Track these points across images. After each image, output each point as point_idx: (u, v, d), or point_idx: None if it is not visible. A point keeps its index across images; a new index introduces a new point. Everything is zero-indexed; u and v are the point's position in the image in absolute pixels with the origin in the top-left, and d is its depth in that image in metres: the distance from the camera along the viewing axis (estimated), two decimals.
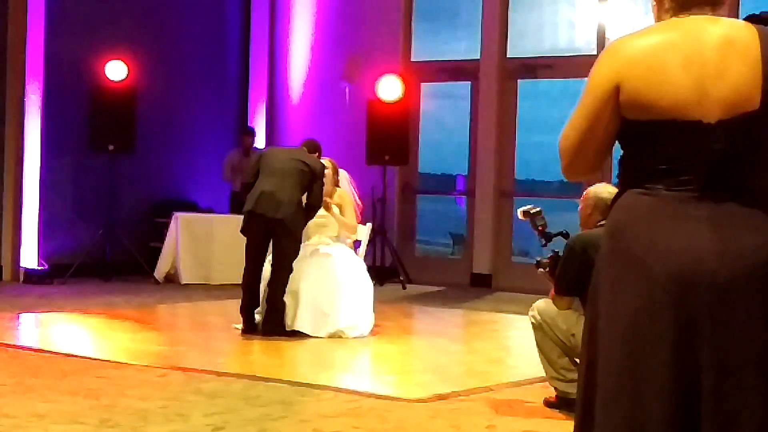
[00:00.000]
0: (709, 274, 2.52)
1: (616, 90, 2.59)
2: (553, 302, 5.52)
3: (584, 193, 5.59)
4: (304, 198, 8.12)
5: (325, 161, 8.49)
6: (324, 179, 8.21)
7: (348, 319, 8.13)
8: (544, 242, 5.71)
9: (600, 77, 2.62)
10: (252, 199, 8.06)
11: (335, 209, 8.43)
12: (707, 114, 2.55)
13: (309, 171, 8.11)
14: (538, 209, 5.70)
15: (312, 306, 8.08)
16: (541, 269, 5.66)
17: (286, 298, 8.04)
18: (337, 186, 8.57)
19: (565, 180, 5.87)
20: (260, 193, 8.01)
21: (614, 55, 2.63)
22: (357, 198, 8.85)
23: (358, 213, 8.76)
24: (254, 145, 12.89)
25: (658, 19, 2.71)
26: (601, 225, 5.32)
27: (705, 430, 2.51)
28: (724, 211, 2.56)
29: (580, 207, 5.58)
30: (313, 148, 8.53)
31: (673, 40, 2.59)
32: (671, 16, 2.66)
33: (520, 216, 5.80)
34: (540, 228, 5.68)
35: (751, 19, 2.64)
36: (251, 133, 13.06)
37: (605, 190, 5.45)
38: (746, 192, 2.58)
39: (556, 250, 5.58)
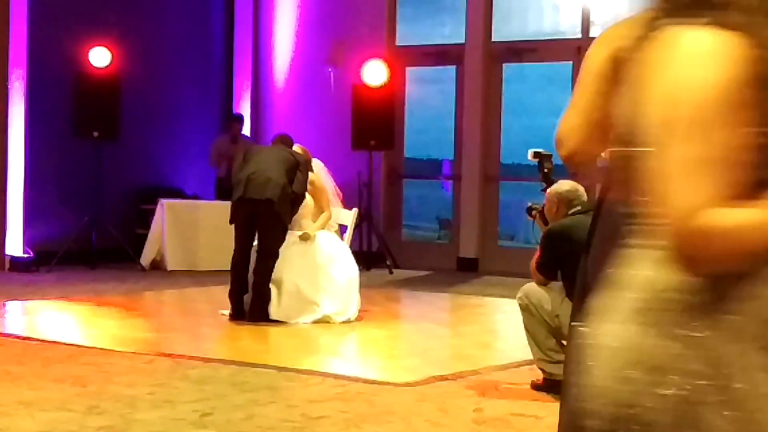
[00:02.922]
0: None
1: (614, 65, 2.61)
2: (533, 274, 5.74)
3: (546, 194, 5.79)
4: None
5: (296, 148, 8.47)
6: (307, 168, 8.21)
7: (334, 305, 8.12)
8: (544, 186, 5.93)
9: (599, 56, 2.64)
10: (240, 185, 8.04)
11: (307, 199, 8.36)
12: None
13: (293, 159, 8.11)
14: (549, 152, 5.92)
15: (296, 294, 8.06)
16: (534, 213, 5.93)
17: (271, 288, 8.01)
18: (310, 171, 8.49)
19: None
20: (248, 177, 8.00)
21: (610, 35, 2.65)
22: (336, 187, 8.80)
23: (338, 201, 8.76)
24: (242, 131, 12.87)
25: None
26: (573, 213, 5.59)
27: None
28: None
29: (545, 208, 5.79)
30: (286, 142, 8.53)
31: None
32: None
33: (530, 156, 6.01)
34: (546, 171, 5.91)
35: None
36: (239, 119, 13.04)
37: (565, 183, 5.83)
38: None
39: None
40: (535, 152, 6.03)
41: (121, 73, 11.60)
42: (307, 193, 8.33)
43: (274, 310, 8.01)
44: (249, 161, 8.16)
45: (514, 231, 13.34)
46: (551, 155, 5.96)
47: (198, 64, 13.53)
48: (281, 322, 7.96)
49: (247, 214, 8.01)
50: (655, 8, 1.93)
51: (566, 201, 5.70)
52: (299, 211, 8.30)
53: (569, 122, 2.66)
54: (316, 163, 8.64)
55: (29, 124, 11.39)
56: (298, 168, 8.09)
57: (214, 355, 6.72)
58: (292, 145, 8.50)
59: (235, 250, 8.13)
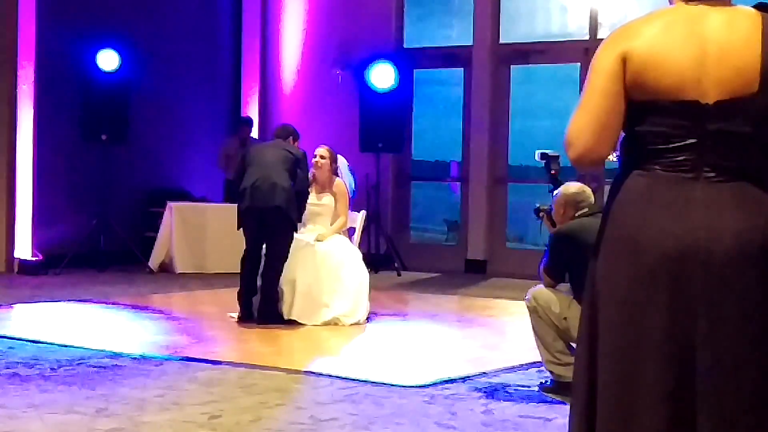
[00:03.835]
0: (702, 255, 2.53)
1: (623, 68, 2.60)
2: (541, 278, 5.73)
3: (554, 194, 5.79)
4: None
5: (322, 149, 8.52)
6: (306, 163, 8.24)
7: (344, 307, 8.15)
8: (552, 187, 5.89)
9: (607, 57, 2.63)
10: (245, 195, 8.05)
11: (327, 199, 8.42)
12: (705, 95, 2.56)
13: (292, 156, 8.11)
14: (557, 153, 5.90)
15: (308, 295, 8.08)
16: (541, 214, 5.91)
17: (284, 288, 8.05)
18: (335, 175, 8.55)
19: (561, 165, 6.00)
20: (252, 186, 8.00)
21: (619, 37, 2.65)
22: (354, 184, 8.84)
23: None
24: (251, 134, 12.88)
25: (671, 2, 2.72)
26: (581, 215, 5.59)
27: (701, 406, 2.53)
28: (718, 191, 2.57)
29: (553, 209, 5.78)
30: (285, 133, 8.50)
31: (676, 22, 2.61)
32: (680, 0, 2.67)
33: (537, 157, 6.00)
34: (553, 172, 5.90)
35: (760, 6, 2.65)
36: (248, 122, 13.04)
37: (573, 185, 5.80)
38: (741, 173, 2.59)
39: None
40: (542, 153, 6.02)
41: (130, 77, 11.62)
42: (329, 194, 8.38)
43: (287, 310, 8.04)
44: (250, 165, 8.14)
45: (522, 233, 13.33)
46: (558, 156, 5.96)
47: (206, 67, 13.55)
48: (289, 324, 7.98)
49: (256, 221, 8.04)
50: None
51: (573, 203, 5.69)
52: (317, 210, 8.35)
53: (578, 124, 2.65)
54: (341, 161, 8.68)
55: (38, 127, 11.41)
56: (298, 166, 8.10)
57: (222, 357, 6.72)
58: (291, 135, 8.45)
59: (245, 251, 8.16)
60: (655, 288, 2.56)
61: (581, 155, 2.65)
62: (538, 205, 6.03)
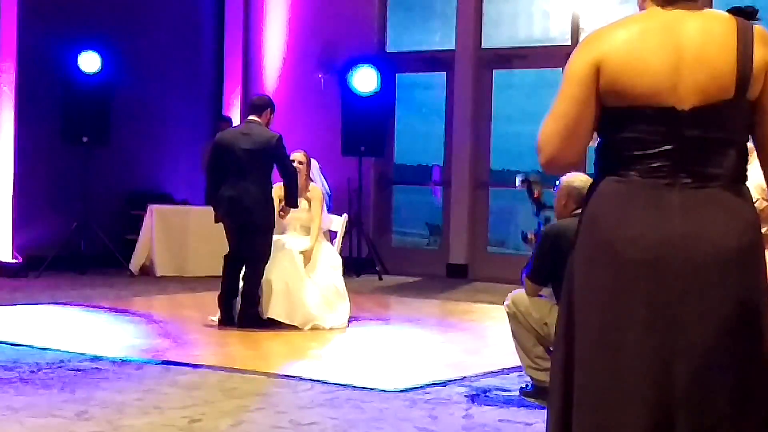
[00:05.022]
0: (679, 260, 2.54)
1: (596, 75, 2.60)
2: (523, 285, 5.65)
3: (557, 183, 5.66)
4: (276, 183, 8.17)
5: (298, 154, 8.47)
6: (289, 153, 8.24)
7: (324, 311, 8.14)
8: (536, 210, 5.81)
9: (580, 63, 2.63)
10: (223, 204, 8.03)
11: (304, 204, 8.41)
12: (681, 101, 2.57)
13: (269, 151, 8.03)
14: (537, 179, 5.84)
15: (285, 293, 8.08)
16: (530, 239, 5.85)
17: (263, 287, 8.05)
18: (311, 180, 8.54)
19: (541, 171, 5.96)
20: (228, 200, 8.00)
21: (593, 42, 2.65)
22: (327, 186, 8.80)
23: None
24: None
25: (641, 8, 2.72)
26: (576, 214, 5.45)
27: (680, 413, 2.54)
28: (695, 197, 2.58)
29: (555, 198, 5.65)
30: (262, 104, 8.32)
31: (652, 28, 2.61)
32: (653, 4, 2.67)
33: (517, 183, 5.93)
34: (535, 195, 5.82)
35: (734, 11, 2.66)
36: (227, 121, 13.01)
37: (578, 178, 5.52)
38: (718, 179, 2.60)
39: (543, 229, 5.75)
40: (522, 179, 5.92)
41: (111, 79, 11.58)
42: (304, 199, 8.36)
43: (265, 308, 8.03)
44: (226, 171, 8.07)
45: (503, 237, 13.35)
46: (539, 179, 5.87)
47: (188, 70, 13.53)
48: (270, 327, 7.96)
49: (235, 231, 8.07)
50: None
51: (576, 196, 5.44)
52: (294, 215, 8.33)
53: (548, 130, 2.66)
54: (313, 165, 8.66)
55: (19, 128, 11.37)
56: (278, 159, 8.06)
57: (203, 361, 6.71)
58: (268, 107, 8.28)
59: (229, 251, 8.16)
60: (631, 294, 2.57)
61: (550, 161, 2.68)
62: (525, 232, 5.95)
